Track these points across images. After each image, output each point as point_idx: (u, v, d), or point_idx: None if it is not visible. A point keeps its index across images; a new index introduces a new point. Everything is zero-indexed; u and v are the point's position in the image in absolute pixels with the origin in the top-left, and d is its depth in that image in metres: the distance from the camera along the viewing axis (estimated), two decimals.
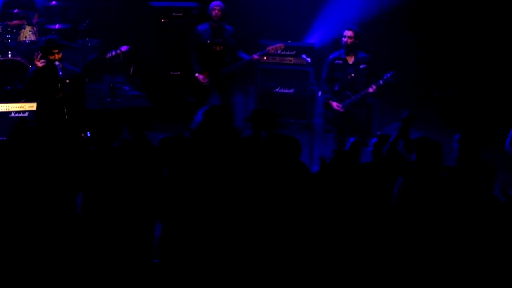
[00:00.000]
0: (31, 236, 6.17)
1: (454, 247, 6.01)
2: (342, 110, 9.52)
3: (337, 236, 5.99)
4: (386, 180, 6.58)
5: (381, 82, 9.40)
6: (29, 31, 11.59)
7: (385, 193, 6.52)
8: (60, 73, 8.15)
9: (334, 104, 9.54)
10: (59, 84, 8.15)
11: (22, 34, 11.56)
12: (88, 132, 8.05)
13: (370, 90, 9.42)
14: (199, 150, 7.21)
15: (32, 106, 9.67)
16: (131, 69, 12.55)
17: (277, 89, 11.90)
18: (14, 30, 11.58)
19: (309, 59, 10.46)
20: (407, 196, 6.43)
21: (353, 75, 9.55)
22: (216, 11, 10.49)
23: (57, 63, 8.28)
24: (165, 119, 11.38)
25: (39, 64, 8.29)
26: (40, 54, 8.41)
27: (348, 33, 9.49)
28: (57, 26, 12.15)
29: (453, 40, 13.26)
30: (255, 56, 10.54)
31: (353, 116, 9.59)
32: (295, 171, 6.26)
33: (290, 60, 11.89)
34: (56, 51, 8.29)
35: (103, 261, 6.26)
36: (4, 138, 9.49)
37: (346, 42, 9.49)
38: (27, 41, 11.57)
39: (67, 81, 8.25)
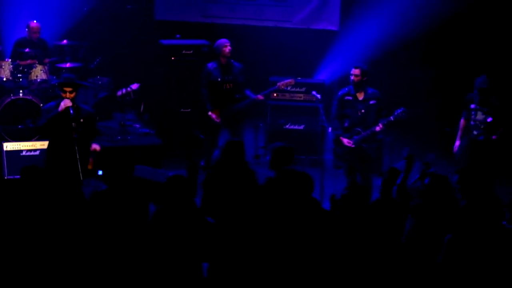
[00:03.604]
0: (41, 277, 6.16)
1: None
2: (353, 146, 9.50)
3: (348, 273, 5.97)
4: (397, 218, 6.54)
5: (391, 118, 9.38)
6: (40, 70, 11.67)
7: (395, 230, 6.48)
8: (72, 112, 8.10)
9: (345, 141, 9.52)
10: (73, 124, 8.10)
11: (33, 73, 11.64)
12: (99, 171, 8.04)
13: (377, 128, 9.41)
14: (213, 187, 7.23)
15: (43, 145, 9.71)
16: (142, 107, 12.61)
17: (287, 126, 11.91)
18: (26, 69, 11.66)
19: (319, 96, 10.46)
20: (417, 235, 6.40)
21: (363, 111, 9.53)
22: (229, 47, 10.48)
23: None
24: (175, 156, 11.40)
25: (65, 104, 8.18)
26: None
27: (355, 71, 9.50)
28: (68, 64, 12.25)
29: (463, 76, 13.27)
30: (260, 97, 10.51)
31: (364, 152, 9.56)
32: (308, 208, 6.23)
33: (300, 97, 11.92)
34: (69, 89, 8.20)
35: None
36: (16, 176, 9.56)
37: (353, 80, 9.51)
38: (38, 80, 11.65)
39: (82, 120, 8.22)
